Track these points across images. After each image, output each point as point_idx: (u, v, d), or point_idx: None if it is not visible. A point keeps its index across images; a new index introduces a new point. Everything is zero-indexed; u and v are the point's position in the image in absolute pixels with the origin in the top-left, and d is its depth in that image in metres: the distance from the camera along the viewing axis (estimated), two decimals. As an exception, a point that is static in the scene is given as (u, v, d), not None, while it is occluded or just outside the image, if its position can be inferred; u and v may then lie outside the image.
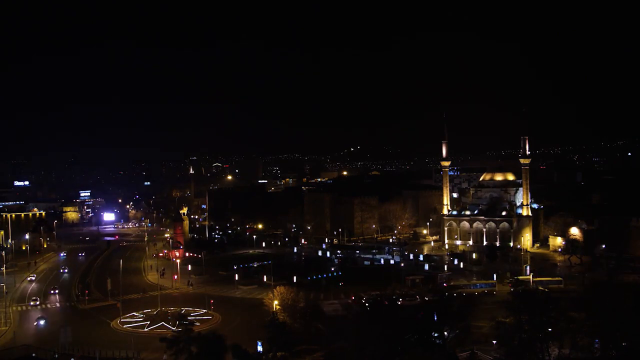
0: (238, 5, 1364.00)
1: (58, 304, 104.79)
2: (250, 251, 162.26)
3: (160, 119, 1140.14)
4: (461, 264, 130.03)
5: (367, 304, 78.13)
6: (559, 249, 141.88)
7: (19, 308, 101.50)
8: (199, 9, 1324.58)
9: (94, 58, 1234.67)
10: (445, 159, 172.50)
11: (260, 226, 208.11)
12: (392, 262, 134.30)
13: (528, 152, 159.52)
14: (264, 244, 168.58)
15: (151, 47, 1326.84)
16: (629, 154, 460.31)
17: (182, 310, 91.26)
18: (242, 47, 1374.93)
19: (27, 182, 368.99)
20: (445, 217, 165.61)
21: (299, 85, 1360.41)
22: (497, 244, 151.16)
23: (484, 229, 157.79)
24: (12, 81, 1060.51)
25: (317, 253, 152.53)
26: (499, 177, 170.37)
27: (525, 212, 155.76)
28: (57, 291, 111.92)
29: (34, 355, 72.09)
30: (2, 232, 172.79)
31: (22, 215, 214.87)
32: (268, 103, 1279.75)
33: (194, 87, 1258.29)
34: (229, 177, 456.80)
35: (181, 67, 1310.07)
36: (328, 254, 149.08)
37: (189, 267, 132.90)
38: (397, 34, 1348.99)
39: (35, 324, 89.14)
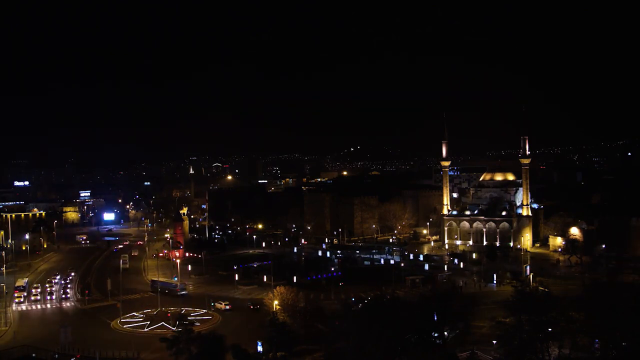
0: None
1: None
2: (250, 251, 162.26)
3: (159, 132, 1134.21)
4: (461, 264, 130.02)
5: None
6: (559, 249, 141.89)
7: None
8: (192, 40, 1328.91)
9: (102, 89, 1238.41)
10: (445, 159, 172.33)
11: (260, 226, 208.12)
12: (392, 262, 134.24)
13: (528, 152, 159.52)
14: (264, 244, 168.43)
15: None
16: (629, 154, 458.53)
17: (182, 310, 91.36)
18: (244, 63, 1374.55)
19: (27, 182, 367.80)
20: (445, 217, 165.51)
21: (300, 88, 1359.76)
22: (497, 244, 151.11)
23: (484, 229, 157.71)
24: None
25: (317, 253, 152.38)
26: (499, 177, 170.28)
27: (525, 212, 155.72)
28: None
29: (34, 355, 72.22)
30: (2, 232, 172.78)
31: (22, 215, 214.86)
32: (268, 106, 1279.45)
33: (194, 105, 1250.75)
34: (229, 177, 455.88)
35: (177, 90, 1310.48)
36: (328, 254, 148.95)
37: (189, 267, 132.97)
38: (396, 35, 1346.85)
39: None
